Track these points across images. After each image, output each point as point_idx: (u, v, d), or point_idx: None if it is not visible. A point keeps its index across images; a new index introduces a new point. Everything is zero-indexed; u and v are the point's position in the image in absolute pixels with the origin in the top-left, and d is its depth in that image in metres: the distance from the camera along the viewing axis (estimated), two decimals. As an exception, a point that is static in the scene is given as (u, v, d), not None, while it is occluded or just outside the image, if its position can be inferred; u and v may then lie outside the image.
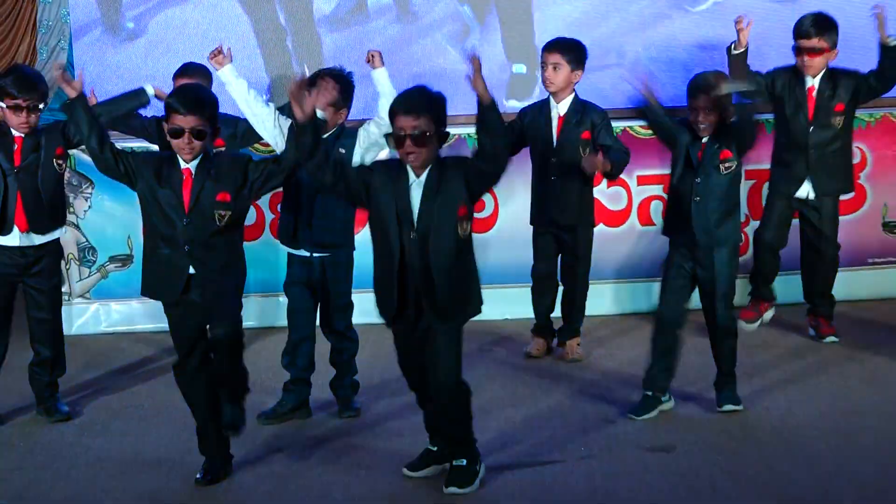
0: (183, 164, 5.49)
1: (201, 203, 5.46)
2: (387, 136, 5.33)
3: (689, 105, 6.19)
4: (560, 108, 7.07)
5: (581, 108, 7.07)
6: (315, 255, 6.32)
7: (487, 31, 8.24)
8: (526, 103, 7.61)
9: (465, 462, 5.51)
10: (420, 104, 5.23)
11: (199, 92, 5.71)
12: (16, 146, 6.33)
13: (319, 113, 5.53)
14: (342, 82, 6.29)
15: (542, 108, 7.15)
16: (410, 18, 8.27)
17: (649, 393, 6.32)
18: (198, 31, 8.13)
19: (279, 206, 6.72)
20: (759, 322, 7.44)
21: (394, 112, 5.26)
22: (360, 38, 8.24)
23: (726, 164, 6.16)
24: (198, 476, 5.67)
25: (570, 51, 7.04)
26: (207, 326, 5.62)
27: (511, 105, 8.07)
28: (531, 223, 7.28)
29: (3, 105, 6.31)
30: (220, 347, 5.62)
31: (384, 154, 6.17)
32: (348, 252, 6.39)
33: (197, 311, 5.57)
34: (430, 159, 5.26)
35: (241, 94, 6.40)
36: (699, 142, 6.19)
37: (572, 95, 7.08)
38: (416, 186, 5.27)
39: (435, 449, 5.68)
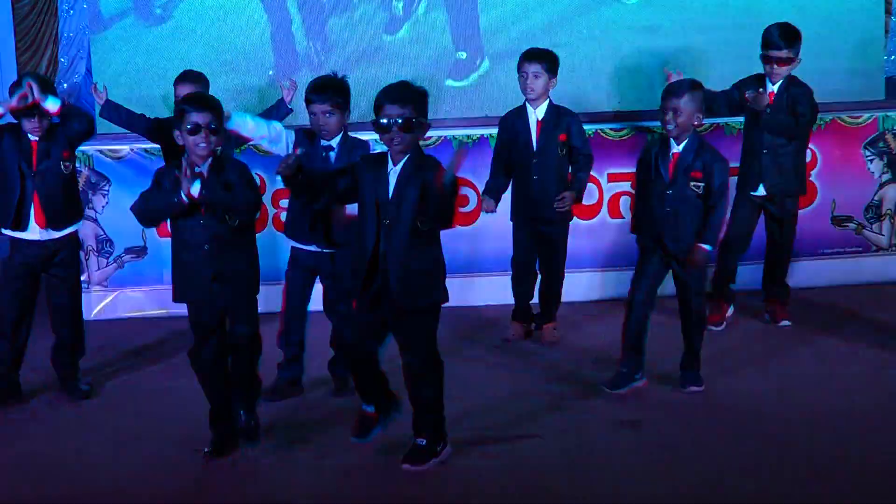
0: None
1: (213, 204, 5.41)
2: (373, 122, 5.26)
3: (661, 107, 6.15)
4: (538, 114, 7.05)
5: (556, 111, 7.06)
6: (325, 250, 6.26)
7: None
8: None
9: (424, 442, 5.44)
10: (405, 94, 5.20)
11: (207, 95, 5.75)
12: (33, 150, 6.26)
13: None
14: (340, 88, 6.18)
15: (521, 113, 7.11)
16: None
17: (624, 370, 6.31)
18: (215, 16, 8.51)
19: (288, 201, 6.60)
20: (724, 324, 7.42)
21: (379, 102, 5.22)
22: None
23: (695, 184, 6.09)
24: (206, 450, 5.66)
25: (549, 60, 7.02)
26: (227, 326, 5.62)
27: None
28: (511, 219, 7.26)
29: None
30: (240, 349, 5.66)
31: None
32: None
33: (216, 309, 5.56)
34: (411, 146, 5.23)
35: (261, 132, 6.06)
36: (668, 153, 6.15)
37: (547, 100, 7.06)
38: (393, 174, 5.23)
39: (371, 409, 5.52)
